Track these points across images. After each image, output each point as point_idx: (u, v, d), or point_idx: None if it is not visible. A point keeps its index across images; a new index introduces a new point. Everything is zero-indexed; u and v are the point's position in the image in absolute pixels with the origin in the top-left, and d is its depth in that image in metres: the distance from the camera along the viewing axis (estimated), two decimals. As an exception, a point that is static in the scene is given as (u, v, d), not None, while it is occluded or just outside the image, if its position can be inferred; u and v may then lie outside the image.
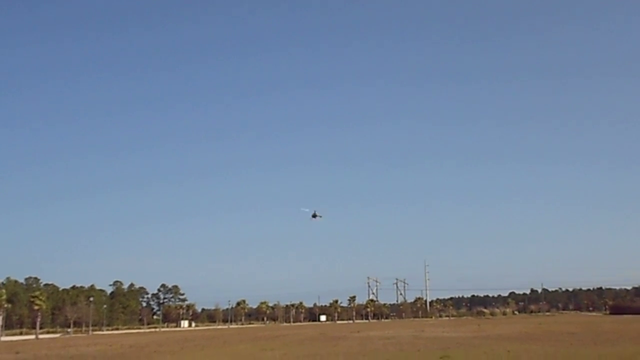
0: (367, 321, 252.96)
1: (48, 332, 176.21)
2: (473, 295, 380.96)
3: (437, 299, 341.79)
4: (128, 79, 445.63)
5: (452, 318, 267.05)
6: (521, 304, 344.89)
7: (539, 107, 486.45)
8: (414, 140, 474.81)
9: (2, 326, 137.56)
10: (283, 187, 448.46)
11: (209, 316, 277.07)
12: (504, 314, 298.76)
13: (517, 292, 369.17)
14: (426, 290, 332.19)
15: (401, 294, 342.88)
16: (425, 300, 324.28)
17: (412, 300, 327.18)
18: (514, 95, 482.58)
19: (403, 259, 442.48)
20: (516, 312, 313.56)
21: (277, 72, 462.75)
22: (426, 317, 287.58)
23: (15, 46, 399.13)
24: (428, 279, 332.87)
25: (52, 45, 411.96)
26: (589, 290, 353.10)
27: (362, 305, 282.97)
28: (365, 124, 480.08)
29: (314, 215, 51.38)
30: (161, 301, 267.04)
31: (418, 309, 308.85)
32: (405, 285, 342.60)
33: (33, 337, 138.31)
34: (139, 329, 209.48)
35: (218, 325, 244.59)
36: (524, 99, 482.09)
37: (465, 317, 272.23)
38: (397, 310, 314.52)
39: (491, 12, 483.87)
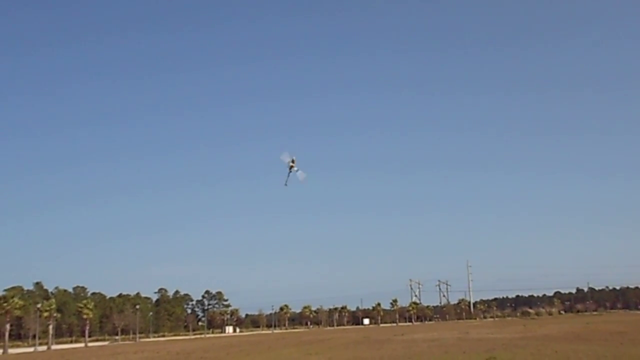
0: (410, 324, 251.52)
1: (97, 340, 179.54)
2: (517, 296, 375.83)
3: (481, 299, 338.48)
4: (149, 81, 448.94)
5: (496, 319, 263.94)
6: (567, 303, 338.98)
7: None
8: (453, 146, 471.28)
9: (52, 335, 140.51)
10: (323, 191, 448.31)
11: (253, 321, 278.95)
12: (550, 314, 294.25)
13: (562, 291, 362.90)
14: (469, 291, 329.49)
15: (444, 295, 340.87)
16: (469, 302, 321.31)
17: (455, 301, 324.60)
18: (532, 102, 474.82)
19: (445, 260, 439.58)
20: (562, 312, 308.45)
21: (290, 76, 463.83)
22: (470, 318, 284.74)
23: (18, 51, 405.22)
24: (471, 280, 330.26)
25: (54, 50, 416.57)
26: (637, 288, 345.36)
27: (405, 307, 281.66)
28: (399, 130, 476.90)
29: (291, 167, 46.60)
30: (205, 307, 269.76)
31: (461, 310, 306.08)
32: (448, 286, 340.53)
33: (82, 345, 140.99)
34: (185, 335, 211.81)
35: (262, 330, 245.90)
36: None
37: (510, 318, 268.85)
38: (440, 312, 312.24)
39: (480, 24, 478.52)
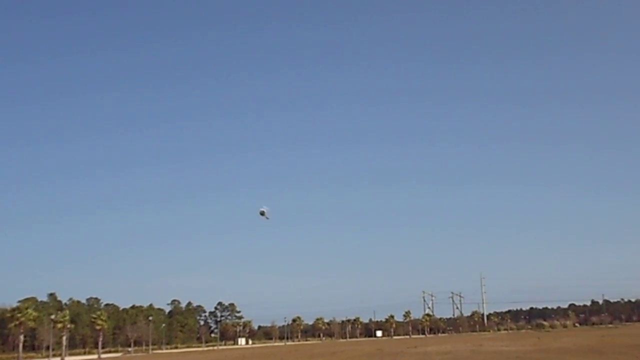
0: (423, 336, 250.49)
1: (110, 352, 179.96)
2: (531, 308, 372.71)
3: (494, 312, 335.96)
4: (164, 88, 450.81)
5: (510, 331, 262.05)
6: (582, 315, 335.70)
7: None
8: (467, 158, 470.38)
9: (66, 346, 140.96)
10: (336, 203, 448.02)
11: (266, 333, 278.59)
12: (565, 326, 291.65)
13: (577, 303, 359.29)
14: (483, 303, 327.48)
15: (457, 307, 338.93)
16: (482, 314, 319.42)
17: (469, 314, 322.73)
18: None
19: (458, 272, 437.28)
20: (577, 325, 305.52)
21: (293, 86, 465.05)
22: (484, 331, 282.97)
23: (20, 61, 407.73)
24: (484, 292, 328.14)
25: (56, 58, 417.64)
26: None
27: (418, 320, 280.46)
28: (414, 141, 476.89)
29: (262, 213, 51.76)
30: (218, 319, 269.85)
31: (475, 322, 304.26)
32: (461, 298, 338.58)
33: (95, 356, 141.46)
34: (198, 347, 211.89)
35: (275, 342, 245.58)
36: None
37: (524, 330, 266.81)
38: (453, 325, 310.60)
39: (480, 34, 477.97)
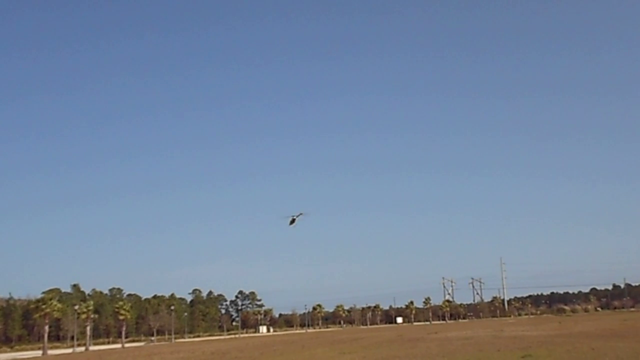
0: (444, 322, 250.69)
1: (133, 341, 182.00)
2: (552, 293, 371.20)
3: (515, 297, 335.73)
4: (172, 77, 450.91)
5: (531, 316, 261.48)
6: (603, 300, 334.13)
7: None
8: (486, 148, 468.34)
9: (90, 336, 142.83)
10: (355, 190, 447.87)
11: (287, 321, 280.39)
12: (586, 310, 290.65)
13: (598, 287, 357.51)
14: (503, 288, 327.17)
15: (477, 293, 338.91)
16: (503, 299, 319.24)
17: (489, 299, 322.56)
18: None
19: (478, 257, 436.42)
20: (599, 309, 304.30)
21: (285, 79, 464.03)
22: (504, 316, 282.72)
23: (16, 53, 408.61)
24: (505, 277, 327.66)
25: (53, 51, 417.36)
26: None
27: (438, 306, 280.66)
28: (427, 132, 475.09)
29: (292, 221, 51.77)
30: (239, 307, 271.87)
31: (495, 308, 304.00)
32: (482, 284, 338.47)
33: (119, 346, 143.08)
34: (220, 335, 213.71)
35: (295, 329, 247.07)
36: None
37: (545, 315, 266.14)
38: (474, 310, 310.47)
39: (481, 28, 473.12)
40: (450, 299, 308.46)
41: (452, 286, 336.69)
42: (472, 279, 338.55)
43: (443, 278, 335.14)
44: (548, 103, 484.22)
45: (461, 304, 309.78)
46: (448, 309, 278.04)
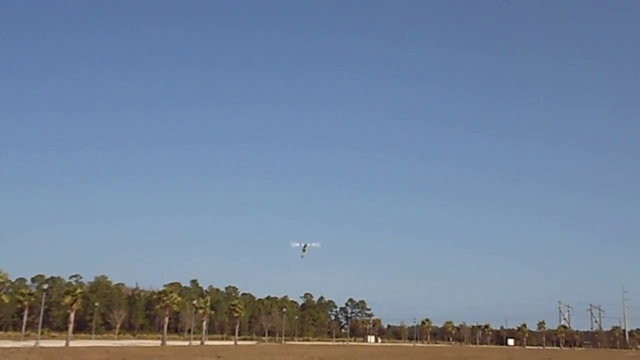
0: (557, 348, 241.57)
1: (245, 339, 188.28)
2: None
3: (637, 328, 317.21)
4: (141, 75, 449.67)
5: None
6: None
7: None
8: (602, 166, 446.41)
9: (205, 331, 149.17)
10: (474, 207, 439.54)
11: (395, 332, 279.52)
12: None
13: None
14: (624, 318, 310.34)
15: (596, 321, 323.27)
16: (624, 330, 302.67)
17: (609, 329, 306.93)
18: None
19: (598, 284, 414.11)
20: None
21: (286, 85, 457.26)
22: (625, 348, 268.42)
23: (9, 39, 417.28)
24: (626, 307, 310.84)
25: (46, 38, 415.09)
26: None
27: (552, 330, 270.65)
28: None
29: (304, 249, 53.20)
30: (348, 315, 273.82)
31: (615, 338, 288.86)
32: (601, 312, 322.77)
33: (232, 343, 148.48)
34: (328, 341, 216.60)
35: (403, 342, 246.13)
36: None
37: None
38: (591, 339, 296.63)
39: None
40: (566, 325, 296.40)
41: (568, 311, 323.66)
42: (591, 305, 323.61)
43: (559, 302, 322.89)
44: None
45: (577, 331, 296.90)
46: (563, 334, 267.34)
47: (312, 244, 57.47)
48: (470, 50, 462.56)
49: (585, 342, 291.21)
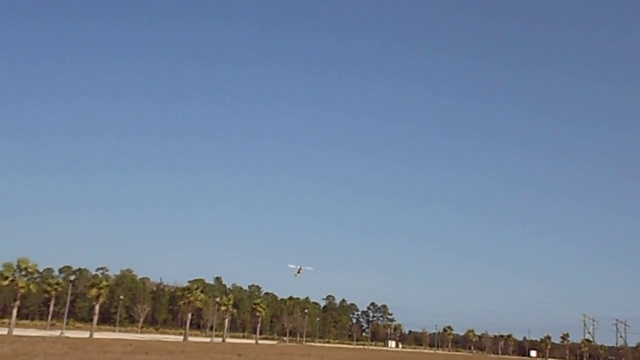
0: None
1: (266, 339, 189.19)
2: None
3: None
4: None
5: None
6: None
7: None
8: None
9: (227, 328, 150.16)
10: (507, 218, 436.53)
11: (416, 339, 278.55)
12: None
13: None
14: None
15: (621, 336, 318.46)
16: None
17: (634, 344, 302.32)
18: None
19: (625, 298, 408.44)
20: None
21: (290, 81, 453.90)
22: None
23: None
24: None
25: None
26: None
27: (576, 344, 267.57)
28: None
29: (299, 271, 55.40)
30: (370, 319, 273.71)
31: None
32: (627, 327, 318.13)
33: (253, 341, 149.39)
34: (349, 344, 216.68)
35: (424, 349, 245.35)
36: None
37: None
38: (616, 354, 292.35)
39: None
40: (591, 339, 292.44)
41: (593, 325, 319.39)
42: (617, 320, 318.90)
43: (584, 315, 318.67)
44: None
45: (602, 346, 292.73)
46: (587, 349, 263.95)
47: (307, 267, 61.25)
48: (479, 58, 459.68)
49: (610, 357, 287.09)
